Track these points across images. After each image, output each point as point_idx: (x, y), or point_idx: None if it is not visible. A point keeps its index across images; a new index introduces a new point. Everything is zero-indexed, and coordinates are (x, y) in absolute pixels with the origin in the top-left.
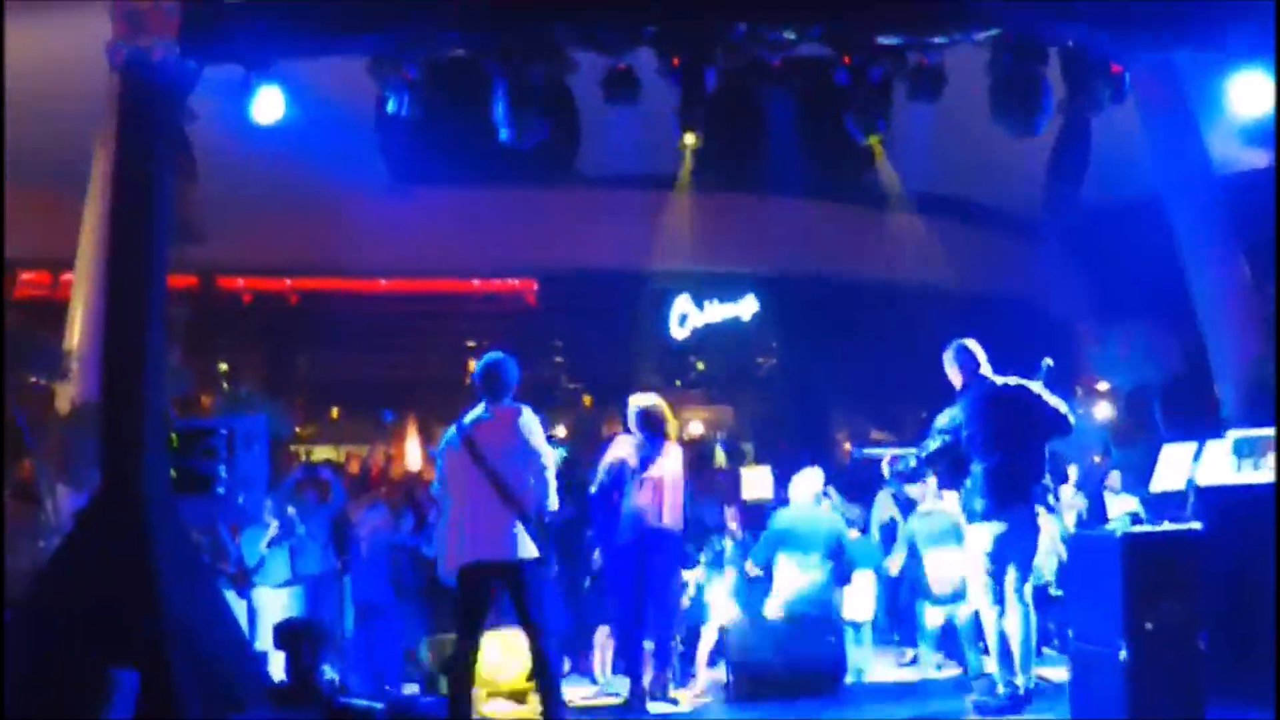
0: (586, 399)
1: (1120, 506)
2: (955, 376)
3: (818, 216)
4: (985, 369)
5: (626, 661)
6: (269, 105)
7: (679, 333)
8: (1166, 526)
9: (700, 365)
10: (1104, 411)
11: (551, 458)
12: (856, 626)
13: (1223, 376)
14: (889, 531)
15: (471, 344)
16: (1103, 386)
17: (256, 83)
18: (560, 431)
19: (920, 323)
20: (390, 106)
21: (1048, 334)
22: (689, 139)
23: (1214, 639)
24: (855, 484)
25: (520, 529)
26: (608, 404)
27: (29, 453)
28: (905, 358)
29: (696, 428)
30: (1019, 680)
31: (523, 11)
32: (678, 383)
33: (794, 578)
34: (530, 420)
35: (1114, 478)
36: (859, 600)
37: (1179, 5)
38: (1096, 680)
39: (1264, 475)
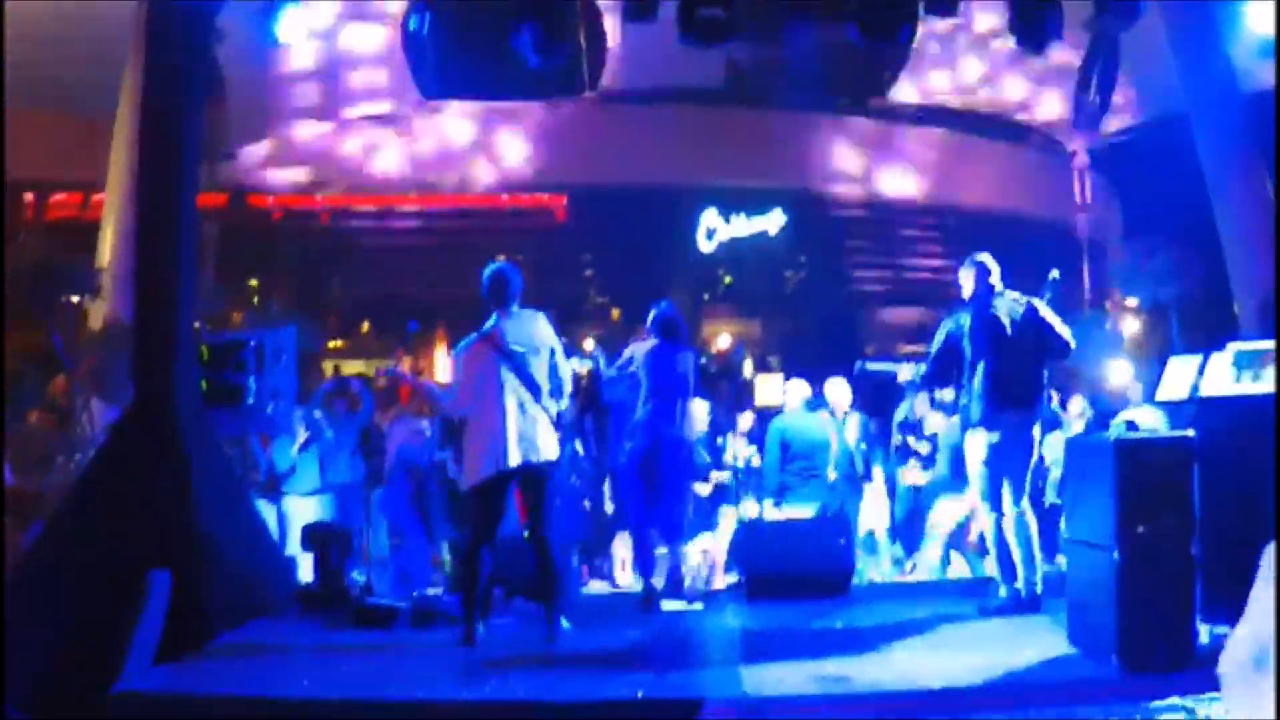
0: (615, 312)
1: (1136, 417)
2: (967, 286)
3: (842, 131)
4: (996, 284)
5: (640, 564)
6: (294, 24)
7: (706, 247)
8: (1160, 433)
9: (728, 279)
10: (1130, 326)
11: (564, 360)
12: (871, 535)
13: (1241, 292)
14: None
15: (501, 259)
16: (1131, 302)
17: (282, 5)
18: (589, 345)
19: (946, 239)
20: (413, 25)
21: (1075, 252)
22: None
23: (1210, 548)
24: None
25: (543, 431)
26: (636, 318)
27: (64, 370)
28: (931, 274)
29: (724, 341)
30: (1019, 585)
31: None
32: (706, 296)
33: (797, 484)
34: (543, 324)
35: (1134, 389)
36: (868, 509)
37: None
38: (1090, 581)
39: (1262, 386)
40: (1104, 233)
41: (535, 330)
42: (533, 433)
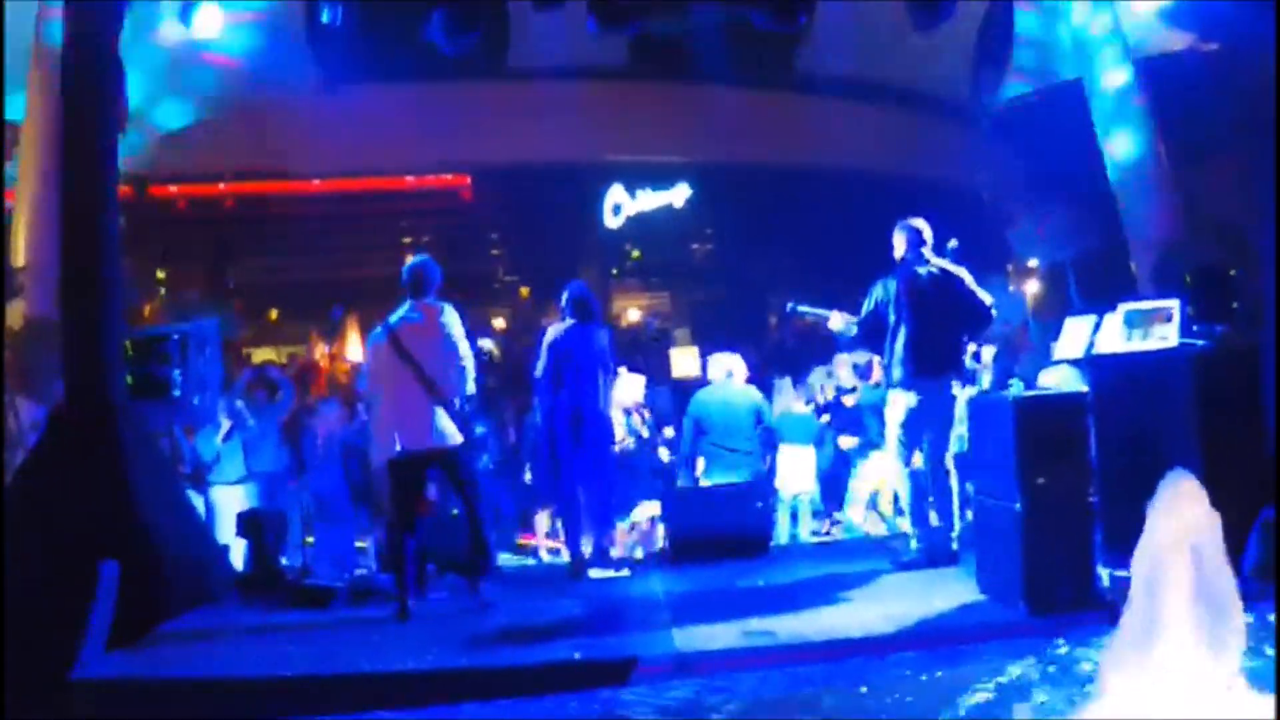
0: (524, 291)
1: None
2: (899, 248)
3: (747, 104)
4: (927, 250)
5: (567, 538)
6: (208, 20)
7: (613, 222)
8: (1052, 391)
9: (635, 254)
10: (1031, 288)
11: (469, 350)
12: (795, 500)
13: (1138, 251)
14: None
15: (408, 240)
16: (1032, 264)
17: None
18: (499, 323)
19: (851, 207)
20: (325, 17)
21: (975, 216)
22: None
23: (1107, 496)
24: (789, 358)
25: (444, 418)
26: (545, 295)
27: None
28: (837, 242)
29: (634, 315)
30: (934, 540)
31: None
32: (614, 272)
33: (717, 452)
34: (451, 316)
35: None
36: (795, 474)
37: None
38: (995, 532)
39: (1150, 344)
40: (1004, 196)
41: (440, 322)
42: (434, 419)
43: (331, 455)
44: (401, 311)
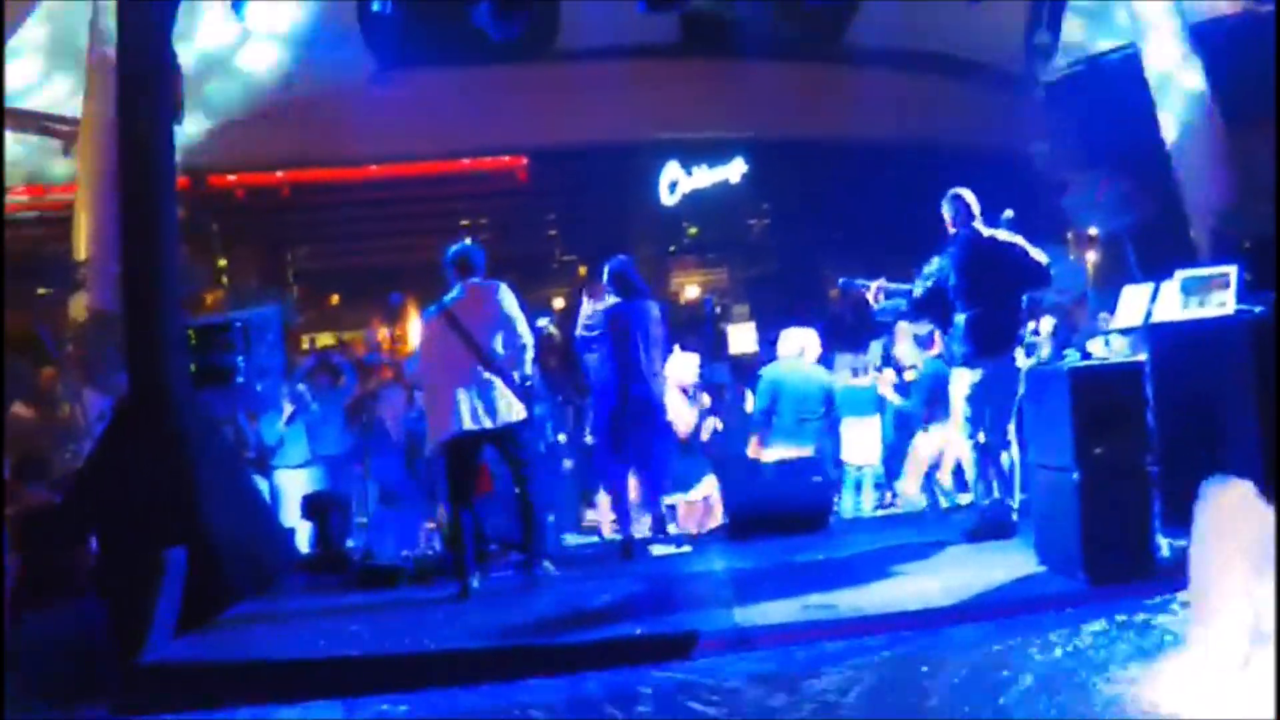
0: (582, 270)
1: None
2: (949, 221)
3: (800, 77)
4: (977, 220)
5: (618, 518)
6: (261, 12)
7: (669, 199)
8: (1110, 359)
9: (692, 230)
10: (1091, 257)
11: (527, 328)
12: (860, 473)
13: (1196, 220)
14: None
15: (465, 223)
16: (1092, 232)
17: None
18: (559, 303)
19: (906, 178)
20: (376, 5)
21: (1031, 184)
22: None
23: (1166, 465)
24: (848, 332)
25: (502, 393)
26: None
27: (52, 361)
28: (892, 213)
29: (692, 291)
30: (996, 509)
31: None
32: (671, 249)
33: (788, 428)
34: (505, 293)
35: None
36: (860, 446)
37: None
38: (1054, 502)
39: (1208, 311)
40: (1060, 165)
41: (494, 300)
42: (491, 398)
43: (395, 439)
44: (453, 293)
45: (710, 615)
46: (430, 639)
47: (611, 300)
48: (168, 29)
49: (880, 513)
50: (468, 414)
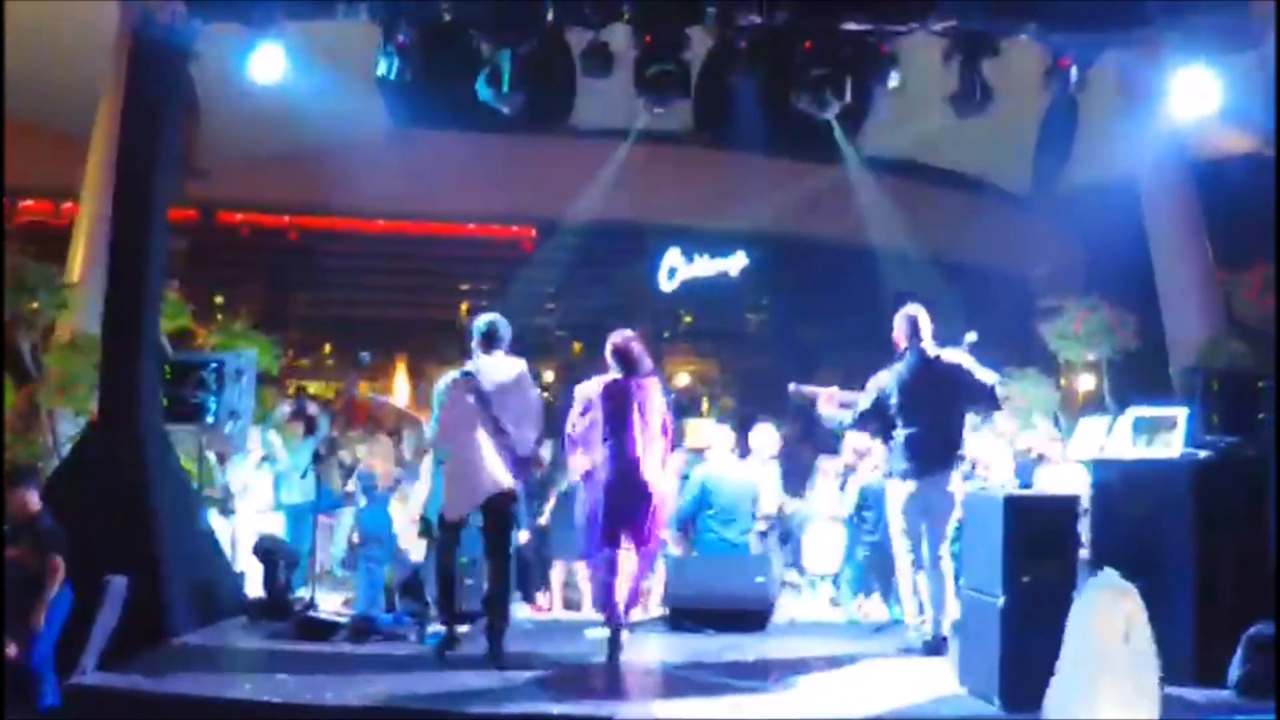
0: (576, 346)
1: (1055, 475)
2: (899, 340)
3: (806, 177)
4: (925, 339)
5: (603, 605)
6: (269, 62)
7: (668, 285)
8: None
9: (688, 319)
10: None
11: (540, 407)
12: (817, 579)
13: (1175, 355)
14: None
15: (465, 287)
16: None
17: (257, 40)
18: (549, 376)
19: (906, 285)
20: (381, 70)
21: (1022, 303)
22: None
23: None
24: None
25: (503, 468)
26: (597, 352)
27: (31, 379)
28: (891, 319)
29: (682, 379)
30: (928, 629)
31: None
32: (665, 335)
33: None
34: (526, 372)
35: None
36: (818, 552)
37: (1116, 7)
38: (978, 625)
39: (1155, 451)
40: (1052, 288)
41: (513, 375)
42: (496, 467)
43: (385, 493)
44: (478, 363)
45: (633, 704)
46: (355, 695)
47: (609, 376)
48: (180, 59)
49: (826, 620)
50: (480, 490)
